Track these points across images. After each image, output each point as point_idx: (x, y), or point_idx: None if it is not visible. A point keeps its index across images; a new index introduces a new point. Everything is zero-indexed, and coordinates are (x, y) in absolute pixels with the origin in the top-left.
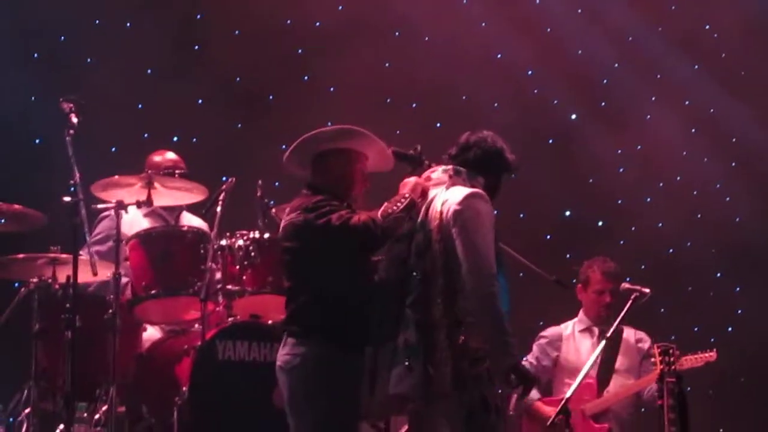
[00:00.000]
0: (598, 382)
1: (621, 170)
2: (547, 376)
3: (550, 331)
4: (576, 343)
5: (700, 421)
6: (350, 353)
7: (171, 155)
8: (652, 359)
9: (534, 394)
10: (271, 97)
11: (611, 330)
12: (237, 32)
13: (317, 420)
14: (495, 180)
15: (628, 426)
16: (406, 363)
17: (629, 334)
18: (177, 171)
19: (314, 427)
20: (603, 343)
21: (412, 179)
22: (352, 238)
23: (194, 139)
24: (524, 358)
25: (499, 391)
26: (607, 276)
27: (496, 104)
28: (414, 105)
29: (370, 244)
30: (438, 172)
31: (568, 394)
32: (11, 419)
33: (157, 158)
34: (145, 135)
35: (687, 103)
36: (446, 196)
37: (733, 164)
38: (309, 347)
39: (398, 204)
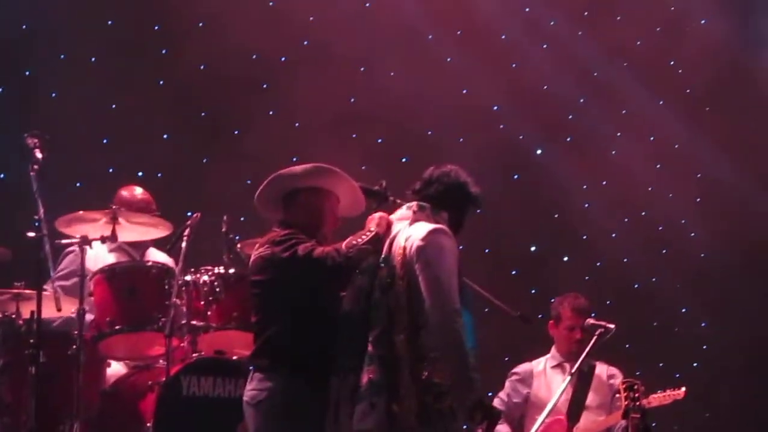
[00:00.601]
0: (568, 418)
1: (586, 205)
2: (518, 412)
3: (522, 368)
4: (548, 379)
5: None
6: (317, 386)
7: (139, 191)
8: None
9: (505, 429)
10: (236, 132)
11: (575, 367)
12: (202, 66)
13: None
14: (459, 214)
15: None
16: (370, 401)
17: (601, 370)
18: (149, 212)
19: None
20: (568, 379)
21: (378, 214)
22: (317, 268)
23: (159, 174)
24: (497, 395)
25: (464, 426)
26: (577, 312)
27: (461, 139)
28: (380, 141)
29: (334, 274)
30: (402, 209)
31: (533, 431)
32: None
33: (124, 193)
34: (110, 170)
35: (652, 138)
36: (410, 232)
37: (698, 200)
38: (276, 381)
39: (363, 237)
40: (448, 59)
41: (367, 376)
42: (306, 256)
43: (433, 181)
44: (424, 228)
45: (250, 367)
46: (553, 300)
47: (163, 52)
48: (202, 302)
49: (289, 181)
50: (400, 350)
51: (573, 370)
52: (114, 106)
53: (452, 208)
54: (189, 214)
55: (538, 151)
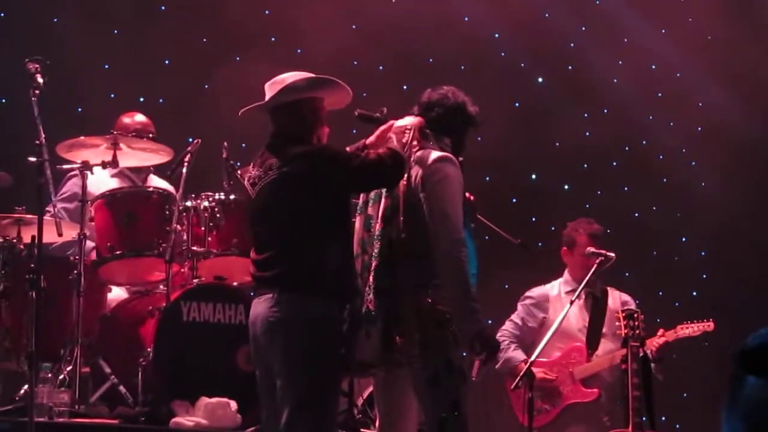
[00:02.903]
0: (587, 346)
1: (587, 134)
2: (532, 336)
3: (537, 292)
4: (563, 304)
5: (664, 385)
6: (342, 308)
7: (140, 117)
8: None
9: (519, 354)
10: (237, 59)
11: (576, 294)
12: None
13: (313, 377)
14: (460, 137)
15: (614, 391)
16: (366, 330)
17: (613, 296)
18: (146, 134)
19: (310, 384)
20: (568, 307)
21: (408, 119)
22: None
23: (161, 100)
24: (509, 317)
25: (464, 354)
26: (592, 238)
27: (462, 67)
28: (381, 68)
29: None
30: (407, 120)
31: (533, 357)
32: None
33: (126, 120)
34: (111, 95)
35: (653, 67)
36: (415, 159)
37: (699, 129)
38: (308, 301)
39: (406, 133)
40: None
41: (366, 306)
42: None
43: (433, 104)
44: (429, 156)
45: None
46: (566, 225)
47: None
48: (203, 228)
49: (293, 93)
50: (403, 279)
51: (574, 298)
52: (115, 32)
53: (454, 132)
54: (189, 140)
55: (539, 80)
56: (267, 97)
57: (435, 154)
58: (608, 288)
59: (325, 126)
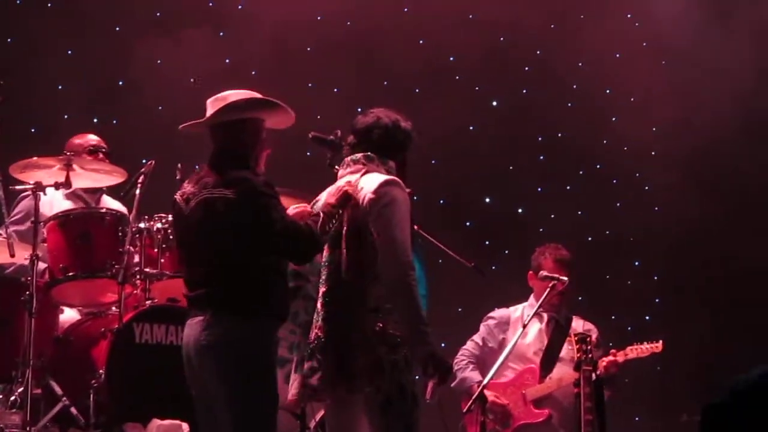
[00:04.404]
0: (541, 368)
1: (541, 158)
2: (491, 357)
3: (499, 313)
4: (525, 327)
5: (616, 409)
6: (275, 329)
7: (92, 136)
8: (596, 350)
9: (474, 375)
10: (192, 80)
11: (528, 319)
12: (158, 14)
13: (248, 401)
14: (402, 157)
15: (567, 414)
16: (318, 357)
17: (578, 324)
18: (100, 151)
19: (245, 408)
20: (520, 330)
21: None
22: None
23: (114, 121)
24: (470, 338)
25: (416, 377)
26: (559, 263)
27: (417, 90)
28: (336, 90)
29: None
30: (347, 163)
31: (485, 381)
32: None
33: (77, 140)
34: (65, 116)
35: (608, 91)
36: (362, 183)
37: (653, 153)
38: (240, 324)
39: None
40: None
41: (315, 333)
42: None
43: (371, 127)
44: (376, 179)
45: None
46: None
47: None
48: (156, 249)
49: (234, 112)
50: (351, 305)
51: (526, 322)
52: (69, 52)
53: (397, 152)
54: (143, 161)
55: (494, 103)
56: (207, 114)
57: (381, 178)
58: (574, 316)
59: (266, 148)
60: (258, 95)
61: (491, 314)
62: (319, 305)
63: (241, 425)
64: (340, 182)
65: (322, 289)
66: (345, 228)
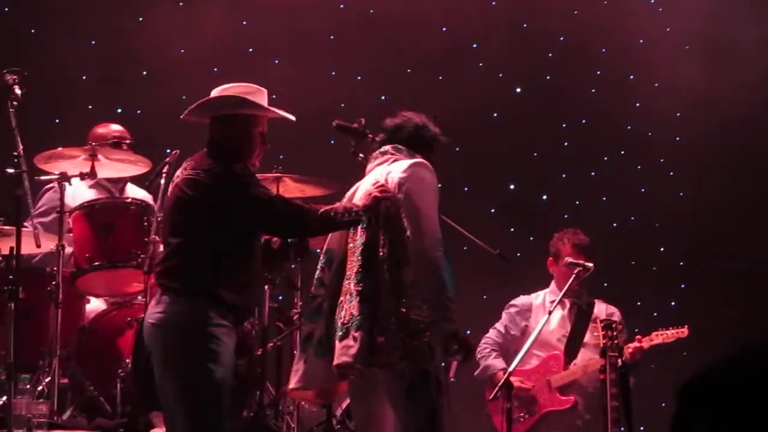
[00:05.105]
0: (565, 355)
1: (565, 144)
2: (514, 345)
3: (521, 300)
4: (546, 314)
5: (642, 394)
6: (213, 312)
7: (116, 126)
8: (620, 334)
9: (498, 363)
10: (215, 69)
11: (554, 305)
12: (181, 3)
13: (185, 385)
14: (429, 156)
15: (592, 399)
16: (352, 335)
17: (600, 309)
18: (123, 142)
19: (183, 391)
20: (546, 317)
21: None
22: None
23: (138, 111)
24: (492, 326)
25: (443, 364)
26: (577, 248)
27: (440, 77)
28: (359, 78)
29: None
30: (376, 155)
31: (512, 367)
32: None
33: (101, 130)
34: (90, 106)
35: (631, 77)
36: (390, 168)
37: (677, 139)
38: (186, 306)
39: (347, 215)
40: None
41: (350, 312)
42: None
43: (400, 125)
44: (405, 163)
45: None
46: (552, 236)
47: None
48: None
49: (220, 108)
50: (380, 285)
51: (552, 308)
52: (93, 42)
53: (425, 150)
54: (168, 151)
55: (518, 90)
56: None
57: (411, 160)
58: (596, 300)
59: (261, 144)
60: (252, 92)
61: (513, 302)
62: (351, 286)
63: (178, 407)
64: (370, 177)
65: (353, 271)
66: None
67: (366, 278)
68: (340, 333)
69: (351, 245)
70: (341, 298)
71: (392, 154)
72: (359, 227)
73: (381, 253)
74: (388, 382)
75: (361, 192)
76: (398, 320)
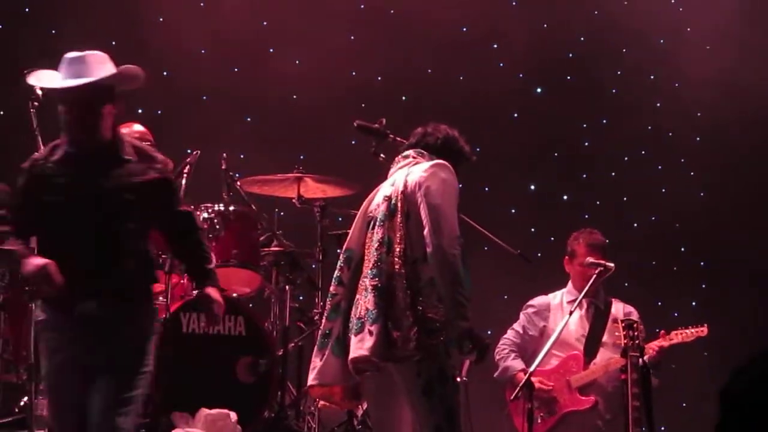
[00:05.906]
0: (585, 355)
1: (586, 144)
2: (533, 345)
3: (538, 301)
4: (564, 313)
5: (663, 394)
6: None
7: (138, 126)
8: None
9: (517, 364)
10: (236, 69)
11: (575, 304)
12: (202, 4)
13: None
14: (455, 165)
15: (612, 399)
16: (369, 328)
17: (617, 308)
18: (145, 143)
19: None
20: (567, 317)
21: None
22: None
23: (159, 111)
24: (510, 326)
25: (464, 361)
26: (592, 248)
27: (461, 77)
28: (379, 78)
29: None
30: (398, 159)
31: (532, 368)
32: None
33: (123, 130)
34: None
35: (652, 77)
36: (411, 170)
37: (698, 139)
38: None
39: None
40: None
41: (365, 307)
42: None
43: (428, 133)
44: (425, 164)
45: None
46: (569, 235)
47: None
48: None
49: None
50: (397, 281)
51: (573, 308)
52: (113, 43)
53: (448, 160)
54: (188, 151)
55: (538, 90)
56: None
57: (432, 162)
58: (612, 299)
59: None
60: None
61: (531, 302)
62: (367, 282)
63: None
64: (390, 181)
65: (369, 267)
66: (396, 207)
67: (381, 274)
68: (356, 327)
69: (368, 243)
70: (357, 296)
71: (414, 157)
72: (377, 225)
73: (397, 250)
74: (404, 380)
75: (380, 196)
76: (414, 317)
